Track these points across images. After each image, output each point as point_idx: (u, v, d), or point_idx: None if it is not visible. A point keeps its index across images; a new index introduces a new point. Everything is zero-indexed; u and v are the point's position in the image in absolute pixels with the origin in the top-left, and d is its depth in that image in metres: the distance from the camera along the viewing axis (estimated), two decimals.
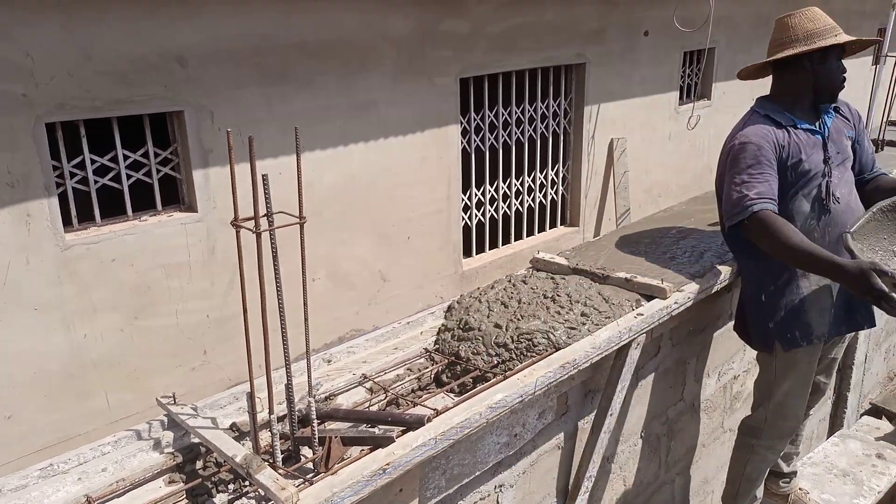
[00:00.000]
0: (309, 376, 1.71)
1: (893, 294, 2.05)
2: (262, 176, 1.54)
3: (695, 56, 6.52)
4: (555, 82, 5.51)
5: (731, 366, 3.36)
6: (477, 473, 2.09)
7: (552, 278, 2.47)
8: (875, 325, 2.68)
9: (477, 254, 5.40)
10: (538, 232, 5.84)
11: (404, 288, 4.82)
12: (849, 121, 2.63)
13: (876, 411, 4.79)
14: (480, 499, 2.19)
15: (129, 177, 3.57)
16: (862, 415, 4.60)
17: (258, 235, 1.50)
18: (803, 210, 2.46)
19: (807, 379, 2.66)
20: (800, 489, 3.11)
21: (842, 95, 2.62)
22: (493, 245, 5.53)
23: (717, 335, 3.15)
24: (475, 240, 5.33)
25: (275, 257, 1.62)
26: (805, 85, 2.47)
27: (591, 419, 2.50)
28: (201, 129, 3.64)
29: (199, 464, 1.76)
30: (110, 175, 3.51)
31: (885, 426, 3.88)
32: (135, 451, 1.73)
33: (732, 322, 2.97)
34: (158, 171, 3.65)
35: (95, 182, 3.47)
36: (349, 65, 4.13)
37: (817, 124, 2.51)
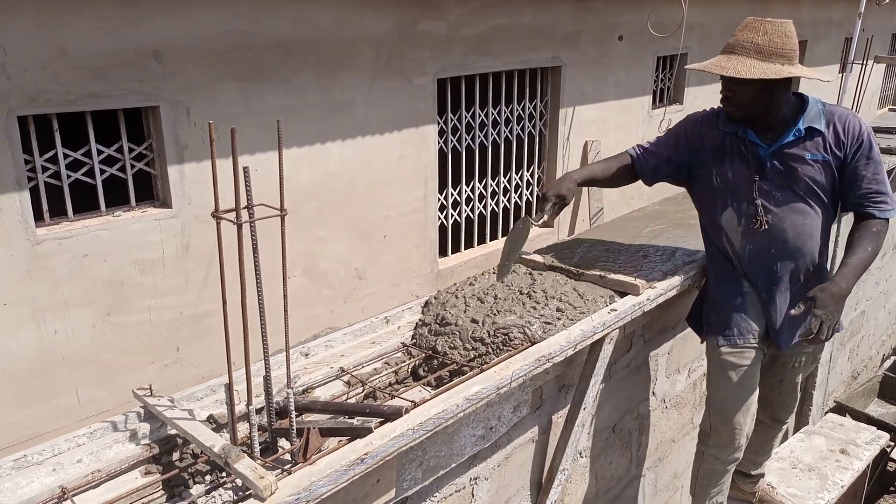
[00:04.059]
0: (288, 368, 1.72)
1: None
2: (244, 168, 1.56)
3: (668, 61, 6.63)
4: (531, 84, 5.57)
5: (701, 362, 3.43)
6: (453, 465, 2.12)
7: (529, 274, 2.50)
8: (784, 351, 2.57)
9: (452, 253, 5.44)
10: None
11: (380, 286, 4.83)
12: (822, 143, 2.29)
13: (840, 409, 4.92)
14: (456, 491, 2.22)
15: (102, 172, 3.53)
16: (826, 412, 4.72)
17: (239, 227, 1.51)
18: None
19: (744, 385, 2.53)
20: (768, 485, 3.18)
21: None
22: (469, 245, 5.56)
23: (686, 332, 3.22)
24: (451, 239, 5.37)
25: (255, 249, 1.64)
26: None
27: (565, 413, 2.54)
28: (177, 125, 3.62)
29: (175, 455, 1.76)
30: (83, 170, 3.48)
31: (848, 423, 3.99)
32: (111, 442, 1.72)
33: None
34: (133, 166, 3.62)
35: (68, 177, 3.43)
36: (327, 63, 4.13)
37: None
